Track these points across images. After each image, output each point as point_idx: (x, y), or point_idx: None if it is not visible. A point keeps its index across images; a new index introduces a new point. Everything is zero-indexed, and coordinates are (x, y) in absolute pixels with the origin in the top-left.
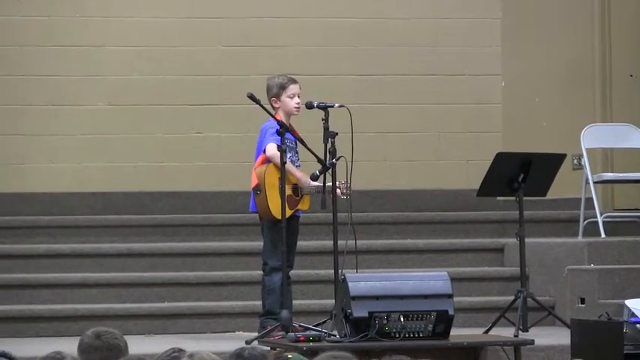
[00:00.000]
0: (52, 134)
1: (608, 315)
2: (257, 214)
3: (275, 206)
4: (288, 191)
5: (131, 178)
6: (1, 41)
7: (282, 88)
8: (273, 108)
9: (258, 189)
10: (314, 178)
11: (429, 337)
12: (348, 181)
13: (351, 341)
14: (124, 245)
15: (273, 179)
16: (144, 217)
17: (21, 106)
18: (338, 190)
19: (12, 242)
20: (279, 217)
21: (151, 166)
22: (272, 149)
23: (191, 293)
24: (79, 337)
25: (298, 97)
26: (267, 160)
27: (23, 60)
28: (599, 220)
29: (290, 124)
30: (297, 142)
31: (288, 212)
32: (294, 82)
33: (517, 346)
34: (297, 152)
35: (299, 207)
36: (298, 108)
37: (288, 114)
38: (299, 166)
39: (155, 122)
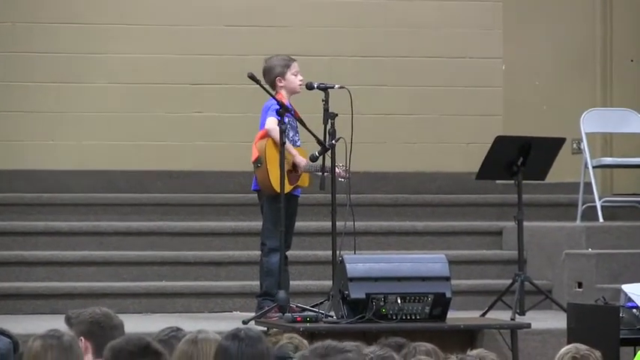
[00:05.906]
0: (53, 112)
1: (605, 299)
2: (256, 194)
3: (276, 179)
4: (288, 166)
5: (131, 157)
6: (2, 17)
7: (287, 66)
8: (277, 87)
9: (259, 162)
10: (313, 159)
11: (425, 320)
12: (348, 164)
13: (348, 323)
14: (122, 224)
15: (274, 152)
16: (143, 196)
17: (22, 83)
18: (337, 171)
19: (10, 219)
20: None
21: (151, 145)
22: (272, 123)
23: (189, 272)
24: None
25: (300, 74)
26: (268, 135)
27: (25, 37)
28: (598, 204)
29: (291, 104)
30: (298, 122)
31: (289, 187)
32: (294, 60)
33: (514, 329)
34: (297, 132)
35: (299, 183)
36: (302, 85)
37: (292, 92)
38: (299, 145)
39: (156, 101)
